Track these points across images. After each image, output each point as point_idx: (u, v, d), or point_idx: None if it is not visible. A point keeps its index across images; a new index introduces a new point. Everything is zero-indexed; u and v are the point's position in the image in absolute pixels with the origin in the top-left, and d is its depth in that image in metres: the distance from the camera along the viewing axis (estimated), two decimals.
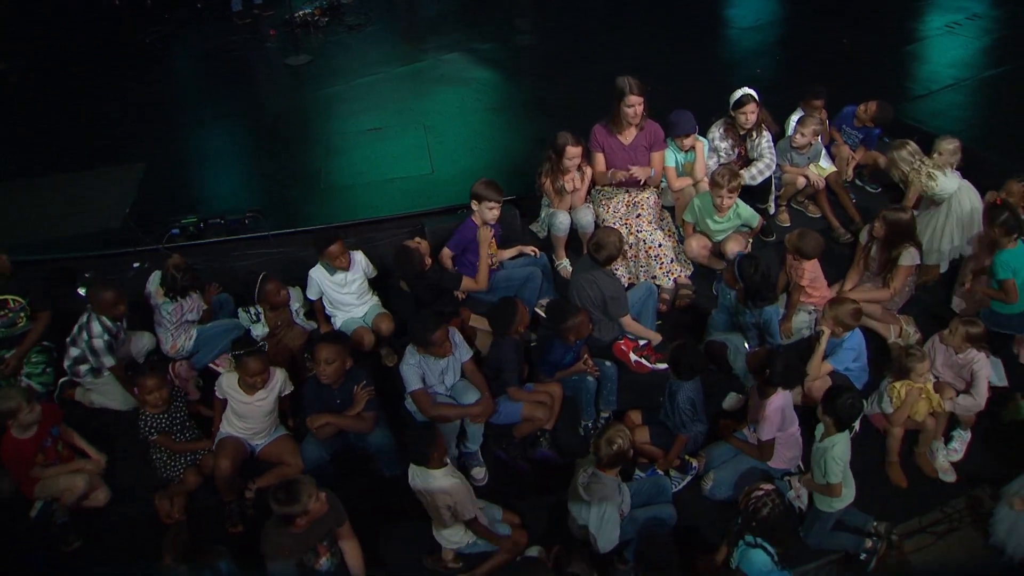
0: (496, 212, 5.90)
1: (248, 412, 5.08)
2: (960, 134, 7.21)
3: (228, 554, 4.32)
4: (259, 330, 5.75)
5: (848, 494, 4.62)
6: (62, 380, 5.68)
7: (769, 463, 4.92)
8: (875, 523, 4.74)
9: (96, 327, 5.34)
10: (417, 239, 5.93)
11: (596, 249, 5.51)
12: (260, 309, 5.77)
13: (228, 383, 5.09)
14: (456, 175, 7.33)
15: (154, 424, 5.01)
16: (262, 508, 5.00)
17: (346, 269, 5.70)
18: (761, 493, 4.23)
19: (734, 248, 6.04)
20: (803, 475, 4.87)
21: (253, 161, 8.12)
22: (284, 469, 5.07)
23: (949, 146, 6.15)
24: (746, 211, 6.16)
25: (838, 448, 4.50)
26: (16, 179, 7.77)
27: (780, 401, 4.76)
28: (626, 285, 6.17)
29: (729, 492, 4.92)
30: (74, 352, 5.45)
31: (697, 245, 6.23)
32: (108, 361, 5.40)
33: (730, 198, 5.93)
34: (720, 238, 6.20)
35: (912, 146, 6.13)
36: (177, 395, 5.22)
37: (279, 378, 5.19)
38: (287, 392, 5.25)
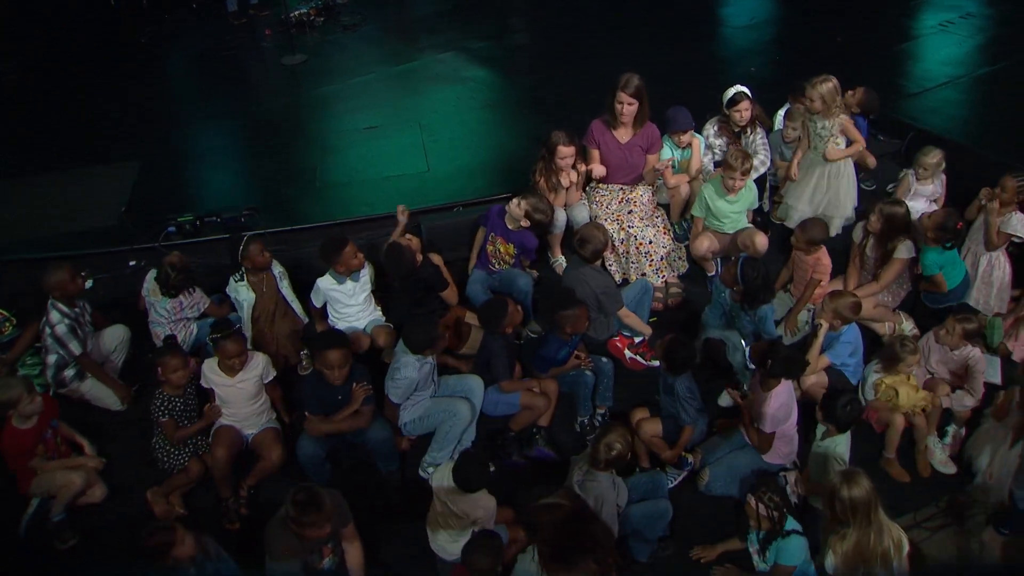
0: (514, 209, 5.83)
1: (231, 396, 5.11)
2: (954, 131, 7.31)
3: (211, 544, 4.32)
4: (244, 294, 5.67)
5: None
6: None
7: (765, 458, 4.92)
8: None
9: (54, 315, 5.30)
10: (408, 236, 5.91)
11: (580, 245, 5.53)
12: (244, 270, 5.70)
13: (209, 368, 5.13)
14: (452, 173, 7.35)
15: (169, 406, 4.99)
16: (256, 507, 5.05)
17: (359, 270, 5.65)
18: (756, 503, 4.23)
19: (763, 242, 5.95)
20: (799, 475, 4.89)
21: (249, 159, 8.12)
22: (262, 463, 5.08)
23: (932, 160, 6.18)
24: (754, 187, 6.19)
25: (840, 448, 4.57)
26: (13, 178, 7.76)
27: (783, 393, 4.78)
28: (619, 282, 6.20)
29: (725, 488, 4.94)
30: (51, 359, 5.43)
31: (708, 245, 6.15)
32: (75, 348, 5.35)
33: (742, 180, 5.93)
34: (731, 224, 6.14)
35: (835, 81, 6.01)
36: (192, 381, 5.20)
37: (261, 361, 5.22)
38: (270, 378, 5.27)
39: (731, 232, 6.16)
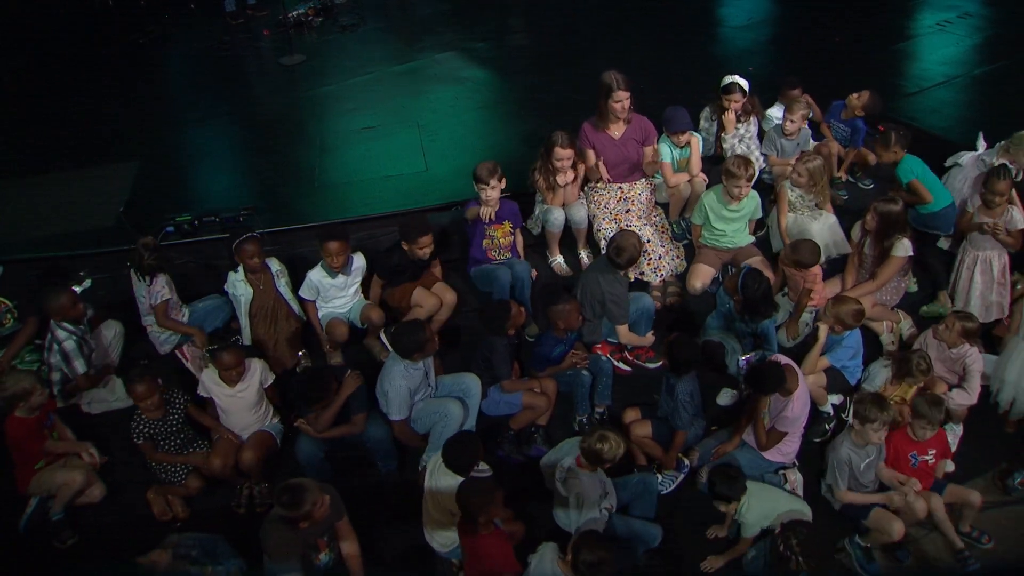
0: (489, 193, 5.83)
1: (231, 405, 5.13)
2: (951, 130, 7.31)
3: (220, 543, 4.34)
4: (242, 289, 5.65)
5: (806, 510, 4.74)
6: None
7: (767, 456, 4.95)
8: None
9: (60, 332, 5.34)
10: None
11: (617, 253, 5.38)
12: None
13: (209, 378, 5.14)
14: (450, 173, 7.35)
15: (145, 428, 4.97)
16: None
17: (339, 270, 5.66)
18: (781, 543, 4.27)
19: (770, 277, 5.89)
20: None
21: (247, 159, 8.15)
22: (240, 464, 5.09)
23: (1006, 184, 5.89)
24: (757, 197, 6.11)
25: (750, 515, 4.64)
26: (10, 178, 7.77)
27: (804, 394, 4.85)
28: None
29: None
30: (55, 376, 5.44)
31: (702, 284, 6.07)
32: (80, 366, 5.38)
33: (747, 187, 5.86)
34: (730, 239, 6.10)
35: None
36: (176, 399, 5.12)
37: (258, 367, 5.24)
38: (269, 382, 5.30)
39: (731, 248, 6.13)
